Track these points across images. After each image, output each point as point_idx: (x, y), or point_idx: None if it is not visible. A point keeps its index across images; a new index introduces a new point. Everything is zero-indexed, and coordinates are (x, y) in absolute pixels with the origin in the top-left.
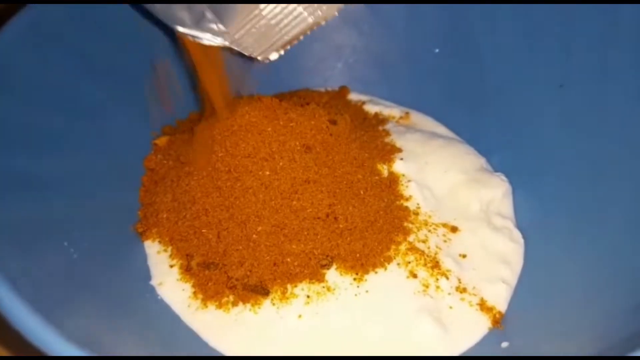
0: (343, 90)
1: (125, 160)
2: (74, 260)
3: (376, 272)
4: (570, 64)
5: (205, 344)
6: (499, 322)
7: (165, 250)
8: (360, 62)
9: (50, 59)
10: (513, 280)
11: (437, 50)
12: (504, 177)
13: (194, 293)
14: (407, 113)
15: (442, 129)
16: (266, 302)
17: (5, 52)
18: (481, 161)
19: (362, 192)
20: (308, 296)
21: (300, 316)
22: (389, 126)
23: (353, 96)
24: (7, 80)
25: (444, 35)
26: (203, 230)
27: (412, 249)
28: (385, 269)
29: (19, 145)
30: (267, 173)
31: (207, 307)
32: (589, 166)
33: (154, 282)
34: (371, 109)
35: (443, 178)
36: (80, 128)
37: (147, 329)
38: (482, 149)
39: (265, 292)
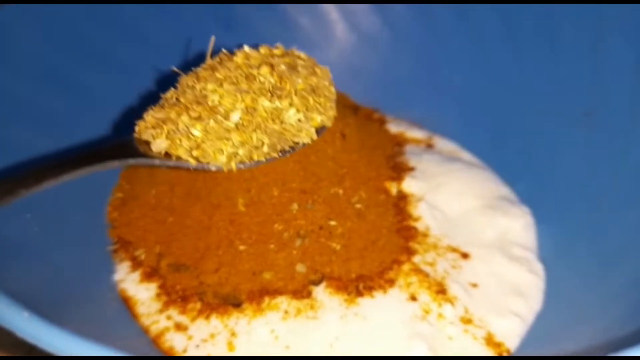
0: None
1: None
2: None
3: (373, 297)
4: (598, 90)
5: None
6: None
7: (133, 246)
8: (379, 86)
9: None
10: (529, 315)
11: (460, 78)
12: (526, 209)
13: (158, 295)
14: (430, 137)
15: (466, 155)
16: (236, 313)
17: None
18: (503, 190)
19: (364, 209)
20: (286, 312)
21: (272, 331)
22: (407, 147)
23: (376, 116)
24: None
25: (467, 62)
26: (180, 230)
27: (416, 270)
28: (385, 292)
29: None
30: (261, 179)
31: (168, 310)
32: (617, 200)
33: (116, 277)
34: (392, 128)
35: (457, 201)
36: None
37: (94, 321)
38: (507, 178)
39: (236, 303)
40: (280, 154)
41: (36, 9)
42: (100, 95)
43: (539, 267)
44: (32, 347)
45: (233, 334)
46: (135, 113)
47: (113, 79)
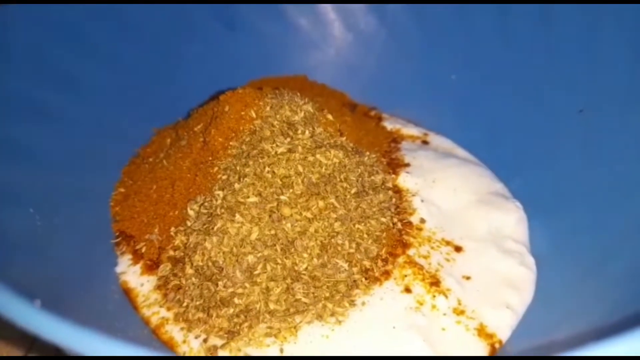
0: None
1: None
2: (37, 227)
3: (369, 288)
4: (592, 88)
5: (152, 339)
6: (497, 351)
7: (135, 240)
8: (376, 84)
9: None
10: (520, 307)
11: (455, 76)
12: (519, 205)
13: (158, 287)
14: (425, 134)
15: (460, 152)
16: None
17: None
18: (497, 186)
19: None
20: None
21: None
22: (403, 143)
23: (373, 113)
24: None
25: (462, 60)
26: (180, 224)
27: (411, 262)
28: (381, 284)
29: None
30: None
31: (167, 302)
32: (609, 196)
33: (118, 269)
34: (389, 126)
35: (452, 196)
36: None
37: (97, 312)
38: (501, 174)
39: None
40: None
41: (37, 8)
42: (100, 92)
43: (531, 261)
44: (30, 347)
45: None
46: (133, 109)
47: (113, 77)
